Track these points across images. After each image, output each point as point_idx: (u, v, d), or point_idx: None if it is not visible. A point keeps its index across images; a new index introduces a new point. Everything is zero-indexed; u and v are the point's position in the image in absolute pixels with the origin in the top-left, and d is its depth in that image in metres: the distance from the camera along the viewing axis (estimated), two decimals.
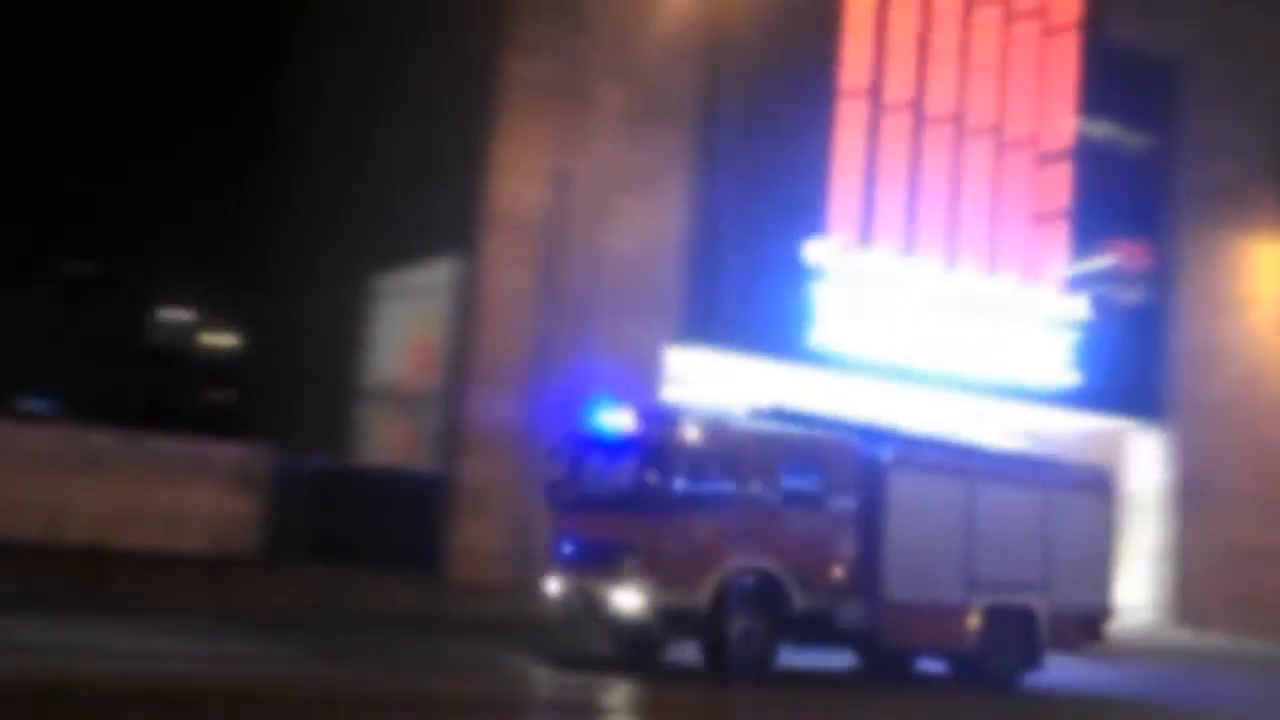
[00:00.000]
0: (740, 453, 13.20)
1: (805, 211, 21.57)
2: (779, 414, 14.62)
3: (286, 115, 30.46)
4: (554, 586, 13.40)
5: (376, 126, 24.35)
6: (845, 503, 13.78)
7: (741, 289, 20.64)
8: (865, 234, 22.14)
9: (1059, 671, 15.22)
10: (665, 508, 12.68)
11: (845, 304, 21.86)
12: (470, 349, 19.67)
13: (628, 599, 12.53)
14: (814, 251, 21.49)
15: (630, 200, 20.31)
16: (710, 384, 21.37)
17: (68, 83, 39.46)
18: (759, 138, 21.05)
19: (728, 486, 12.99)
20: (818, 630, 13.52)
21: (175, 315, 44.60)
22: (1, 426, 18.30)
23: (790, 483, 13.43)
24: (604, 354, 19.38)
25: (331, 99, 27.49)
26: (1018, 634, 14.70)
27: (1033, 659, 14.85)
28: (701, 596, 12.58)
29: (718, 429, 13.27)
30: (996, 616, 14.47)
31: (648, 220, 20.44)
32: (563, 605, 13.51)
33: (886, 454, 14.12)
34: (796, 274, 21.40)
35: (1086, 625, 15.35)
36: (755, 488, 13.11)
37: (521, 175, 19.75)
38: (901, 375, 22.37)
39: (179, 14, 38.88)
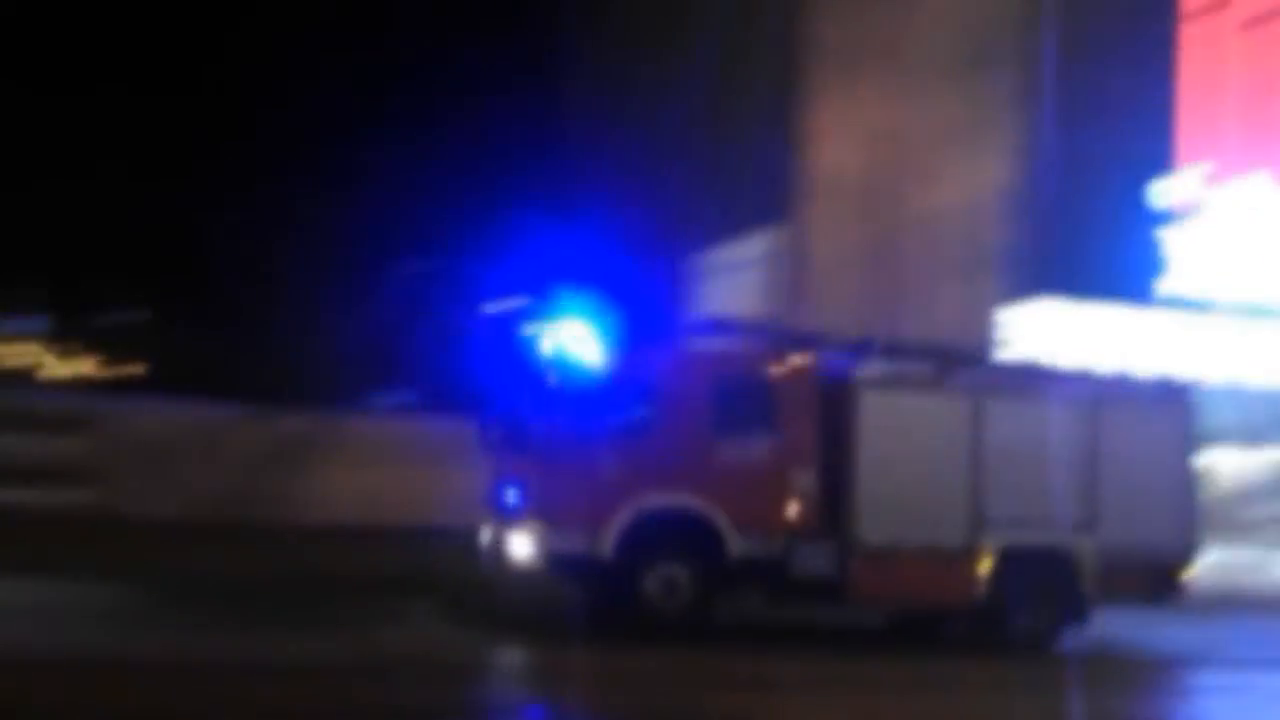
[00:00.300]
0: (658, 376, 11.57)
1: (1150, 148, 19.96)
2: (720, 327, 13.01)
3: (574, 92, 30.76)
4: (482, 537, 12.18)
5: (677, 101, 24.40)
6: (801, 430, 11.70)
7: (1083, 237, 19.36)
8: (1222, 167, 20.26)
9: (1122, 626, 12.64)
10: (560, 441, 11.21)
11: (1201, 243, 20.10)
12: (794, 321, 19.45)
13: (519, 546, 11.19)
14: (1164, 190, 19.87)
15: (954, 154, 19.47)
16: (1053, 340, 20.25)
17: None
18: (1091, 73, 19.63)
19: (644, 415, 11.39)
20: (767, 580, 11.66)
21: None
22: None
23: (725, 408, 11.51)
24: (933, 316, 18.72)
25: (623, 78, 27.68)
26: (1049, 583, 12.23)
27: (1074, 613, 12.24)
28: (603, 542, 11.08)
29: (629, 351, 11.58)
30: (1016, 562, 12.04)
31: (974, 174, 19.52)
32: (484, 558, 12.19)
33: (854, 370, 12.09)
34: (1143, 215, 19.87)
35: (1155, 570, 12.47)
36: (678, 415, 11.34)
37: (838, 138, 19.33)
38: (1272, 316, 20.38)
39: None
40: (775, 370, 11.94)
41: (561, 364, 11.38)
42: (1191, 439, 13.02)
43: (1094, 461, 12.37)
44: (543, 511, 11.24)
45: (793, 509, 11.73)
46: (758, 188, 20.72)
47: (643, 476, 11.37)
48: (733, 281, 23.06)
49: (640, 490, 11.30)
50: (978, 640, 12.37)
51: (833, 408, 12.00)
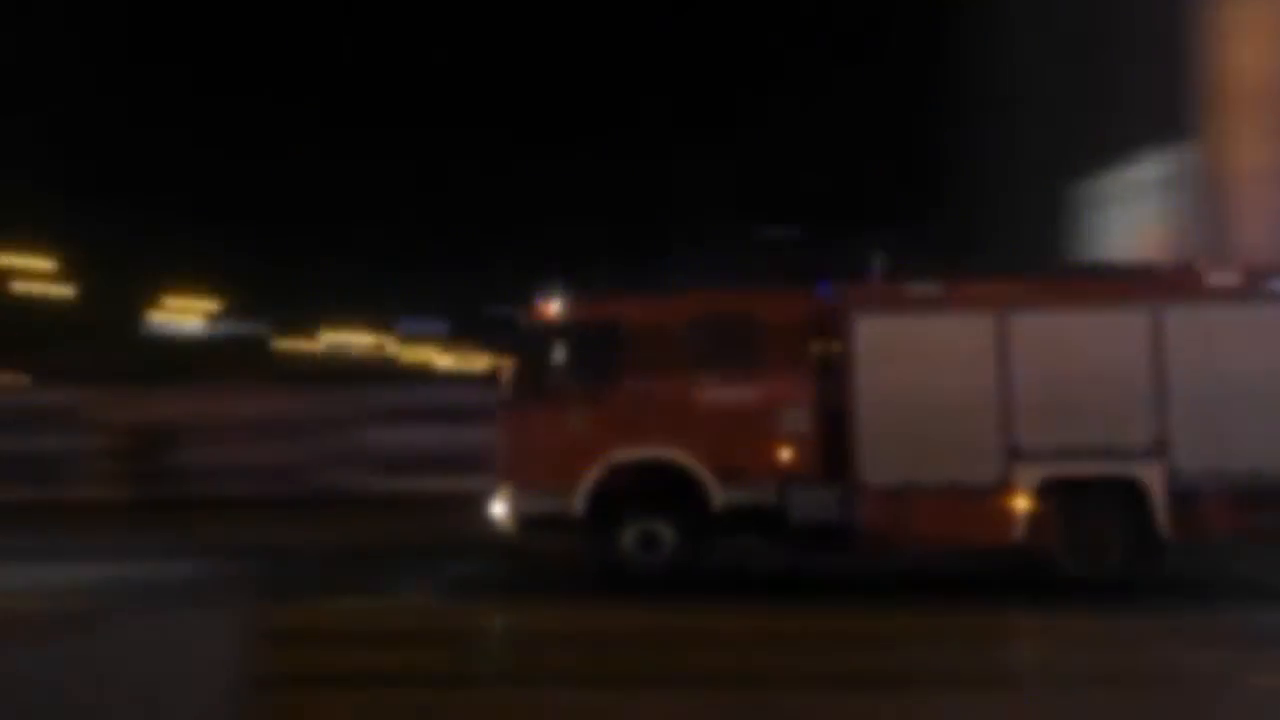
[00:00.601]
0: (624, 327, 11.16)
1: None
2: (701, 268, 12.25)
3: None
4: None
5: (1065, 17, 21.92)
6: (790, 366, 11.09)
7: None
8: None
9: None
10: (528, 399, 11.22)
11: None
12: (1213, 247, 17.45)
13: (495, 508, 11.12)
14: None
15: None
16: None
17: None
18: None
19: (614, 367, 11.09)
20: (764, 530, 11.03)
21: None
22: None
23: (701, 351, 11.07)
24: None
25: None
26: (1110, 519, 10.69)
27: (1146, 550, 10.61)
28: (576, 500, 10.87)
29: (594, 303, 11.43)
30: (1064, 496, 10.66)
31: None
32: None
33: (845, 294, 11.14)
34: None
35: (1254, 498, 10.41)
36: (650, 363, 11.03)
37: (1256, 36, 17.38)
38: None
39: None
40: (753, 306, 11.34)
41: (531, 320, 11.55)
42: None
43: (1163, 374, 10.68)
44: (512, 472, 11.21)
45: (785, 453, 11.04)
46: (1151, 102, 18.88)
47: (615, 430, 11.04)
48: (1127, 210, 20.94)
49: (610, 445, 11.01)
50: (1022, 587, 10.99)
51: (821, 340, 11.24)
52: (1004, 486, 10.74)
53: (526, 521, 11.21)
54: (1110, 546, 10.77)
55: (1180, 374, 10.64)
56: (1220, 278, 11.05)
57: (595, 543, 11.17)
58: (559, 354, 11.37)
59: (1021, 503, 10.73)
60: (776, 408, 11.11)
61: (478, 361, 48.97)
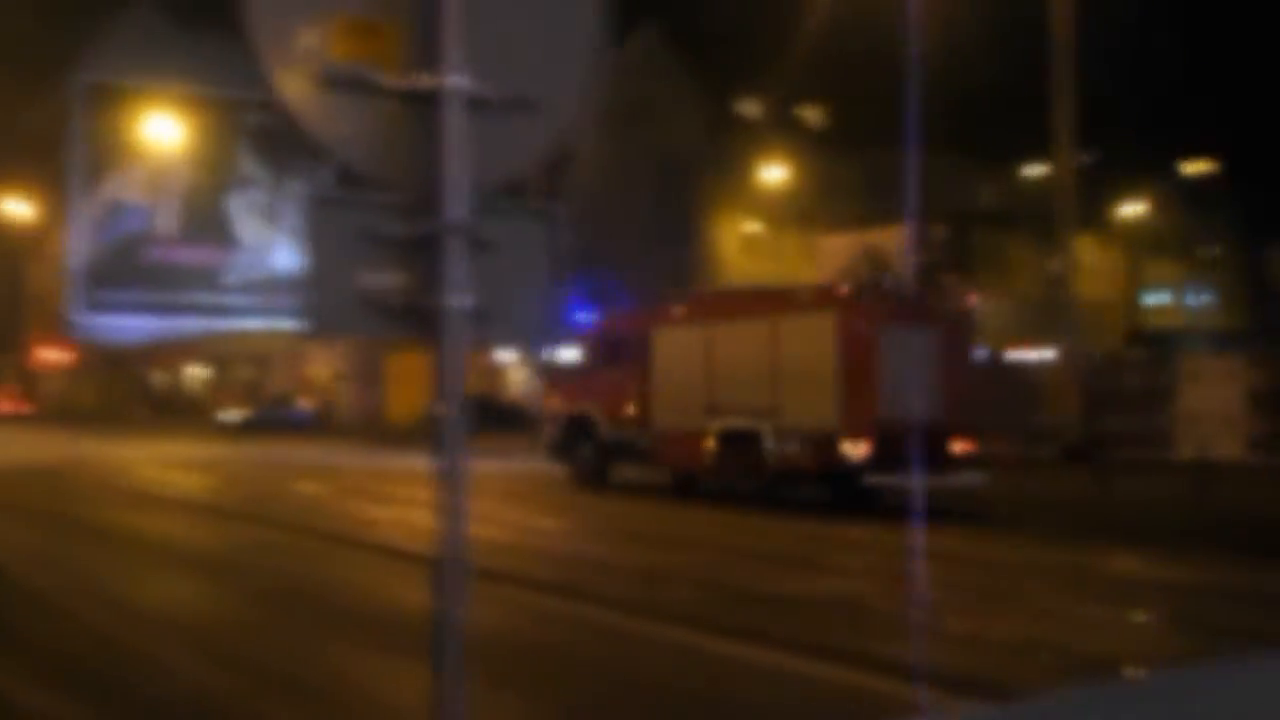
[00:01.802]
0: (582, 338, 21.71)
1: None
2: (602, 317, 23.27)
3: None
4: None
5: None
6: (636, 361, 19.92)
7: None
8: None
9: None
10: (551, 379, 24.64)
11: None
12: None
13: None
14: None
15: None
16: None
17: None
18: None
19: (576, 363, 21.82)
20: (626, 454, 20.13)
21: None
22: None
23: (601, 354, 20.72)
24: None
25: None
26: (747, 456, 17.51)
27: (760, 479, 17.62)
28: (554, 433, 21.84)
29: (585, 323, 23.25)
30: (726, 440, 17.97)
31: None
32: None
33: (652, 322, 20.11)
34: None
35: (821, 448, 16.46)
36: (584, 361, 21.37)
37: None
38: None
39: None
40: (623, 324, 21.38)
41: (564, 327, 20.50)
42: (843, 338, 16.63)
43: (777, 362, 17.34)
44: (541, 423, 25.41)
45: (630, 410, 20.07)
46: None
47: (573, 397, 21.44)
48: None
49: (570, 404, 21.44)
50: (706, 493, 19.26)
51: (643, 347, 20.05)
52: (703, 433, 18.40)
53: (548, 449, 22.17)
54: (751, 472, 17.67)
55: (784, 362, 17.17)
56: (804, 297, 17.76)
57: (563, 457, 21.62)
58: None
59: (710, 443, 18.32)
60: (629, 384, 20.09)
61: None
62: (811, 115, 46.49)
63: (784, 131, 40.85)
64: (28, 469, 25.03)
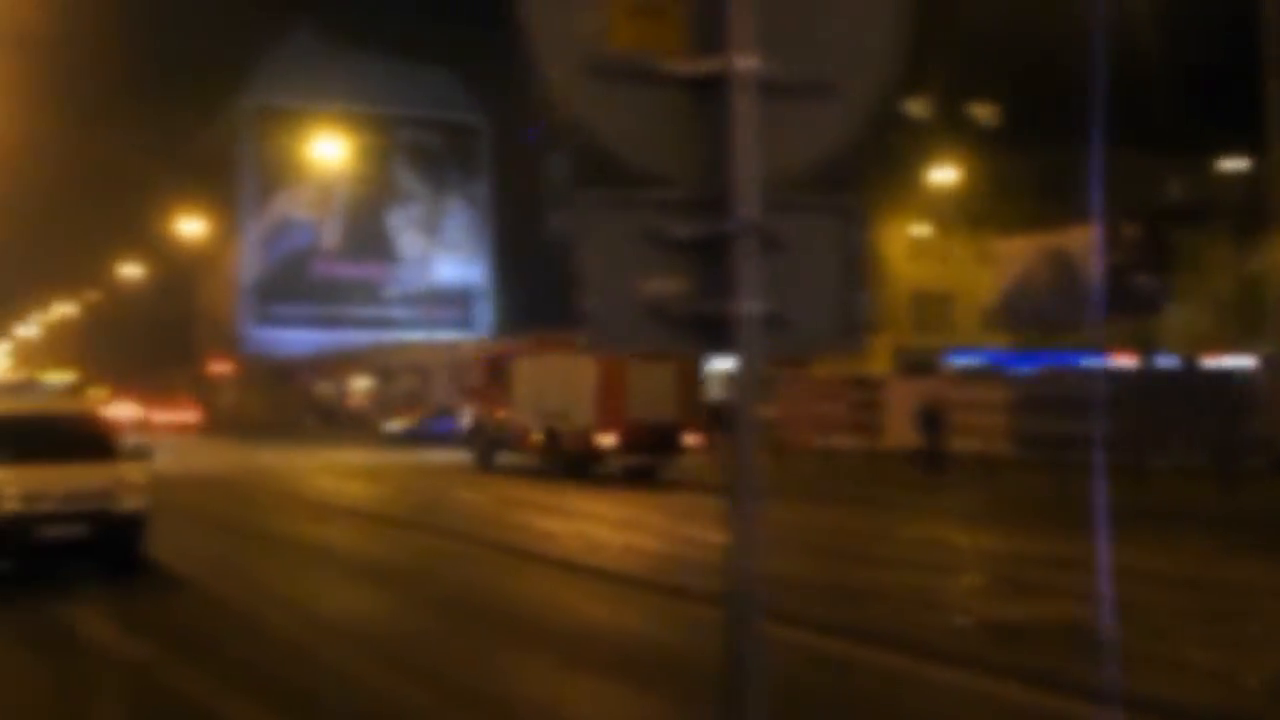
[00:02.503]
0: (482, 363, 30.40)
1: None
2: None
3: None
4: None
5: None
6: (504, 379, 28.51)
7: None
8: None
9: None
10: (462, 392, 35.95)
11: None
12: None
13: None
14: None
15: None
16: None
17: None
18: None
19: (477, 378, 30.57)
20: (503, 446, 28.14)
21: None
22: None
23: (490, 373, 29.50)
24: None
25: None
26: (553, 446, 26.18)
27: (561, 461, 25.99)
28: (467, 429, 31.22)
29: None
30: (551, 437, 26.10)
31: None
32: None
33: (514, 352, 29.05)
34: None
35: (585, 439, 24.80)
36: (482, 377, 30.05)
37: None
38: None
39: None
40: (501, 353, 29.95)
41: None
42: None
43: (563, 382, 25.67)
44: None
45: (501, 413, 28.19)
46: None
47: (473, 403, 30.53)
48: None
49: (473, 408, 30.55)
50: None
51: (502, 371, 28.94)
52: (533, 430, 26.75)
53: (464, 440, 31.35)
54: (556, 457, 26.08)
55: (571, 383, 25.29)
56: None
57: (471, 448, 29.77)
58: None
59: (537, 436, 26.67)
60: (502, 395, 28.37)
61: None
62: (982, 112, 45.13)
63: (953, 130, 39.71)
64: (205, 479, 25.91)
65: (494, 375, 28.68)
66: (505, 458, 28.02)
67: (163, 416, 62.01)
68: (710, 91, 3.16)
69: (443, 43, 63.59)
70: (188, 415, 67.20)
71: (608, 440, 24.29)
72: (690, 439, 24.39)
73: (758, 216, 3.14)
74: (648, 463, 24.77)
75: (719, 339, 3.16)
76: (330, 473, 28.45)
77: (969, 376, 31.21)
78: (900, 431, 25.54)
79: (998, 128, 44.82)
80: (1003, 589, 11.80)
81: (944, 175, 41.10)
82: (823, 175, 3.33)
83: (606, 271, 3.17)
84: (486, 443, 28.50)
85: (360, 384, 61.85)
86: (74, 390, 56.30)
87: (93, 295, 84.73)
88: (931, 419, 24.81)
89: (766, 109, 3.16)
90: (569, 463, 25.07)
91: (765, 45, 3.15)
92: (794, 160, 3.26)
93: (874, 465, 25.69)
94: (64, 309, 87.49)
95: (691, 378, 25.24)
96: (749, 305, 3.13)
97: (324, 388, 65.29)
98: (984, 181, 41.16)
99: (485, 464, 28.26)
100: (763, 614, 3.05)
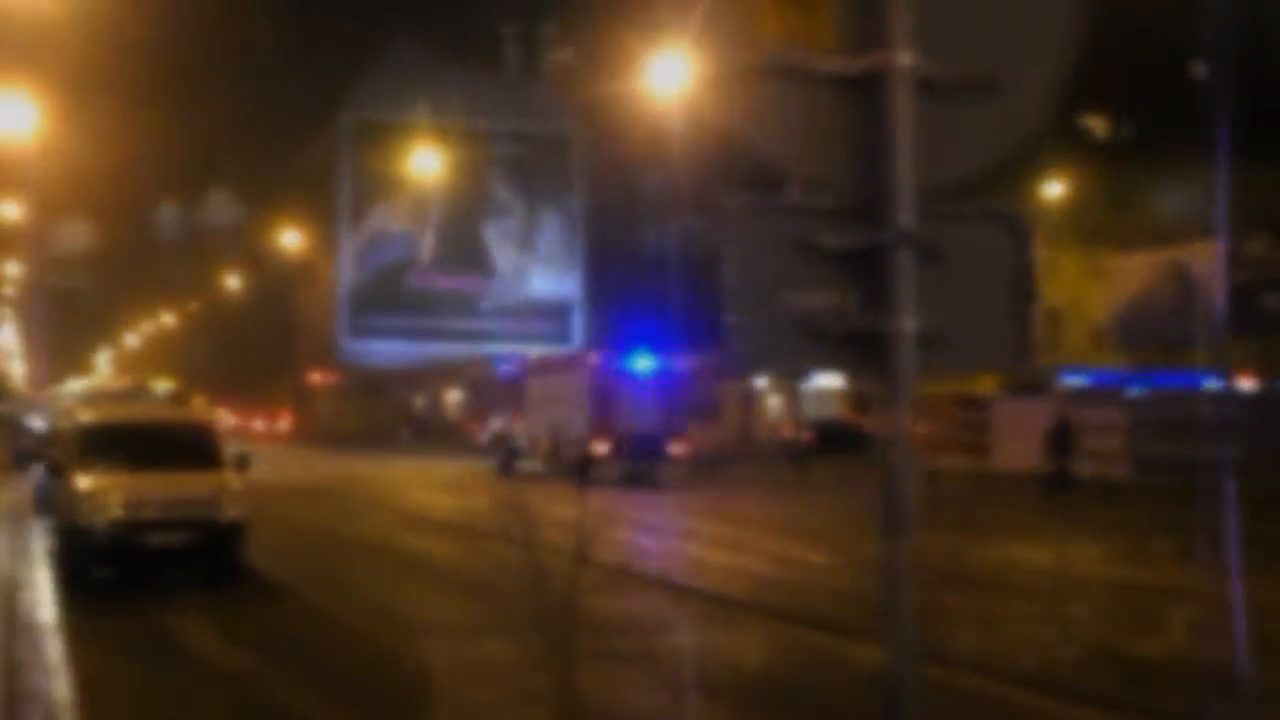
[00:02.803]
0: (501, 382, 35.78)
1: None
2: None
3: None
4: None
5: None
6: (518, 395, 33.24)
7: None
8: None
9: None
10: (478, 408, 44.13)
11: None
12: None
13: None
14: None
15: None
16: None
17: None
18: None
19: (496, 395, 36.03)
20: (520, 455, 31.35)
21: None
22: None
23: (508, 391, 34.20)
24: None
25: None
26: (555, 453, 29.72)
27: (562, 465, 28.98)
28: (487, 440, 35.93)
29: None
30: (553, 442, 29.87)
31: None
32: None
33: (518, 368, 34.63)
34: None
35: (582, 446, 27.85)
36: (499, 394, 35.34)
37: None
38: None
39: None
40: (516, 373, 34.48)
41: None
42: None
43: (563, 398, 29.86)
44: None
45: (518, 426, 32.45)
46: None
47: (499, 416, 35.14)
48: None
49: (495, 422, 35.68)
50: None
51: (514, 392, 33.75)
52: (542, 440, 30.70)
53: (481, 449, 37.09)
54: (559, 462, 29.43)
55: (568, 398, 29.55)
56: (575, 360, 33.14)
57: (493, 457, 33.07)
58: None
59: (545, 444, 30.56)
60: (517, 410, 32.75)
61: None
62: (1096, 124, 44.04)
63: (1065, 142, 38.76)
64: (301, 487, 26.29)
65: (512, 392, 33.18)
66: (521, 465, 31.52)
67: (258, 425, 63.22)
68: (864, 90, 2.98)
69: (533, 55, 63.98)
70: (282, 424, 68.39)
71: (601, 448, 27.68)
72: (675, 448, 27.69)
73: (916, 226, 2.95)
74: (639, 469, 27.77)
75: (872, 357, 2.97)
76: (423, 485, 28.66)
77: (1081, 397, 30.37)
78: (1010, 452, 24.86)
79: (1112, 138, 43.70)
80: (1135, 621, 11.34)
81: (1055, 190, 40.14)
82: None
83: (752, 284, 3.00)
84: (506, 452, 32.16)
85: (454, 396, 62.47)
86: (177, 398, 57.79)
87: (193, 305, 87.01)
88: (1060, 440, 24.03)
89: (926, 110, 2.97)
90: (568, 468, 27.67)
91: (924, 42, 2.96)
92: (956, 166, 3.06)
93: (986, 487, 25.01)
94: (168, 318, 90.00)
95: (676, 392, 28.42)
96: (906, 321, 2.93)
97: (419, 400, 66.08)
98: (1098, 195, 40.10)
99: (504, 472, 30.80)
100: (922, 656, 2.86)
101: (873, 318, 2.95)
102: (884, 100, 2.95)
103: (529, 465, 30.90)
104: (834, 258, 2.99)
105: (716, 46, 3.09)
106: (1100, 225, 39.44)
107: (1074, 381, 37.51)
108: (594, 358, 30.31)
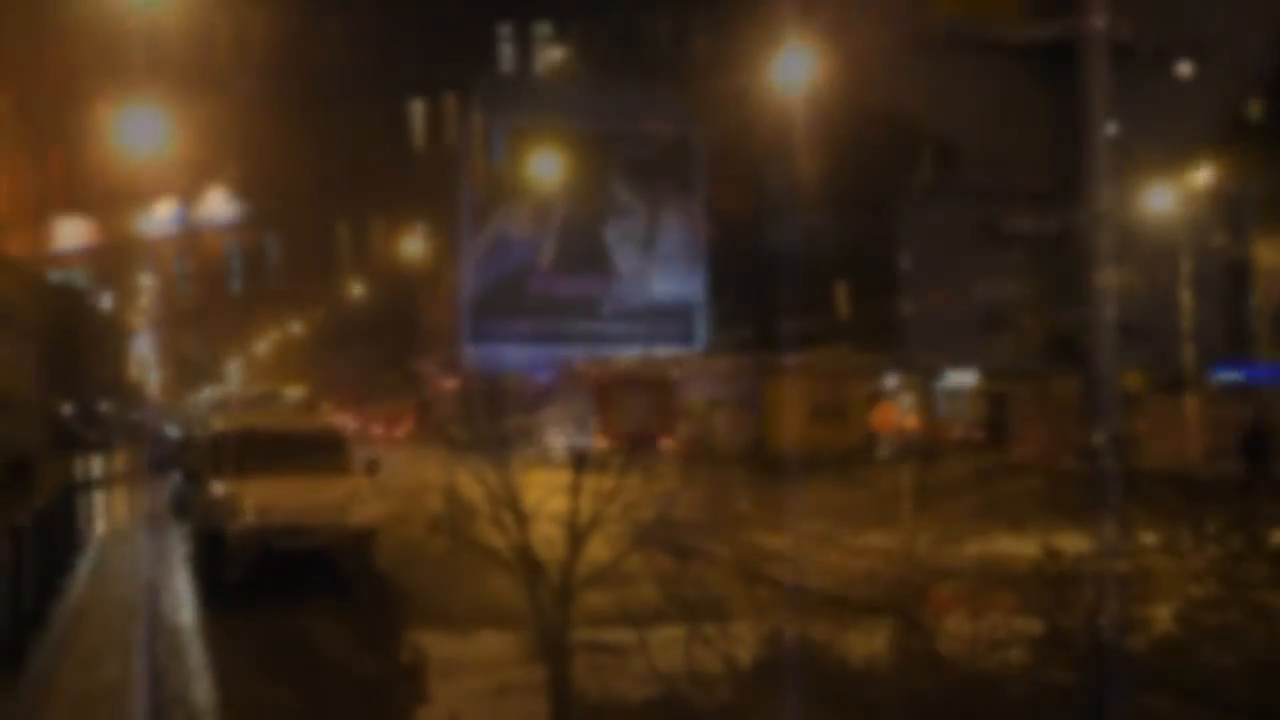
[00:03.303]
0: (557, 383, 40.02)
1: None
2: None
3: None
4: None
5: None
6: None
7: None
8: None
9: None
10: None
11: None
12: None
13: None
14: None
15: None
16: None
17: None
18: None
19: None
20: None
21: None
22: None
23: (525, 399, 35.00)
24: None
25: None
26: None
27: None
28: None
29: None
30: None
31: None
32: None
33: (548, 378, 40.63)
34: None
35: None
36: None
37: None
38: None
39: None
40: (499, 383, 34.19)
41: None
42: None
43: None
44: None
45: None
46: None
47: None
48: None
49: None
50: None
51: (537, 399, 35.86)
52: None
53: None
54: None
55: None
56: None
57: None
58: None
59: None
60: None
61: None
62: (1252, 105, 42.22)
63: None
64: (425, 488, 26.87)
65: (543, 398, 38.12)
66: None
67: (377, 429, 64.62)
68: (1056, 61, 2.77)
69: (654, 55, 63.99)
70: (404, 428, 69.80)
71: (604, 445, 32.15)
72: (665, 444, 32.06)
73: (1113, 208, 2.73)
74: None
75: (1065, 351, 2.76)
76: (543, 485, 29.09)
77: (1233, 392, 29.06)
78: (1160, 452, 23.90)
79: (1264, 123, 41.86)
80: None
81: (1200, 175, 38.62)
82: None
83: (932, 274, 2.81)
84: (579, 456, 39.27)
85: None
86: (306, 404, 59.34)
87: (318, 312, 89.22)
88: (1259, 441, 22.86)
89: (1121, 79, 2.74)
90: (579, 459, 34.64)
91: (1120, 3, 2.74)
92: (1154, 140, 2.83)
93: (1140, 489, 23.88)
94: (295, 327, 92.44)
95: (667, 398, 34.06)
96: (1103, 312, 2.71)
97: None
98: (1243, 180, 38.46)
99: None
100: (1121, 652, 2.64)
101: (1064, 309, 2.73)
102: (1077, 70, 2.73)
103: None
104: (1021, 243, 2.78)
105: (881, 20, 2.90)
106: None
107: (1227, 377, 35.99)
108: (601, 373, 37.69)
